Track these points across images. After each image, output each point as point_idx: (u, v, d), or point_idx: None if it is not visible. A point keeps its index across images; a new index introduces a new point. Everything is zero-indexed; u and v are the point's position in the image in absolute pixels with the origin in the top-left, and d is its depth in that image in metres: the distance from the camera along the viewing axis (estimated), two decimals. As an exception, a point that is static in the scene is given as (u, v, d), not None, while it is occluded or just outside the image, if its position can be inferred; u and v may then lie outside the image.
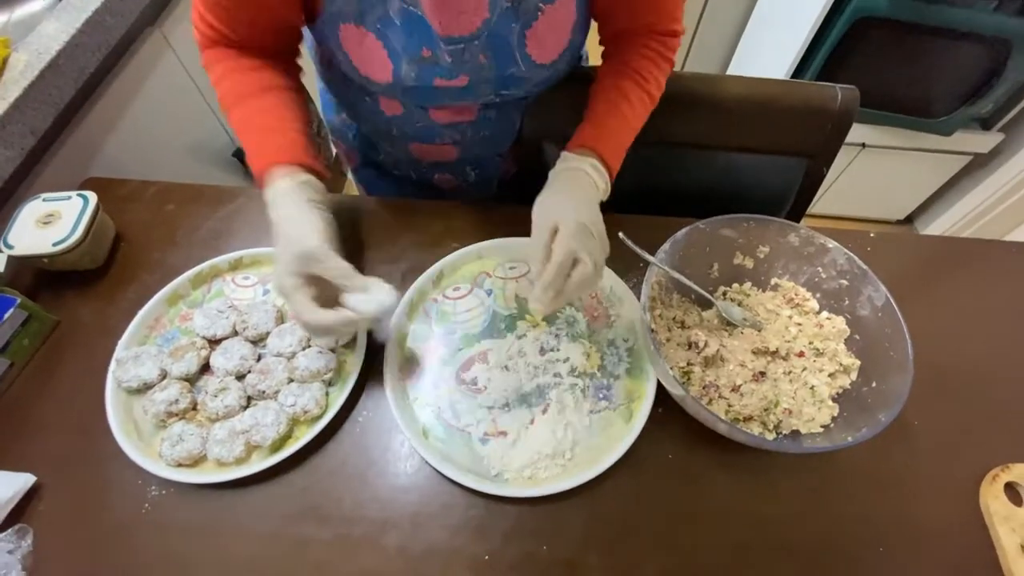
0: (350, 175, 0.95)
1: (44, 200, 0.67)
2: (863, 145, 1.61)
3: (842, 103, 0.74)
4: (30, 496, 0.53)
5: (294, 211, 0.52)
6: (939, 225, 1.81)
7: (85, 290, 0.67)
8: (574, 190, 0.56)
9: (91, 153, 0.86)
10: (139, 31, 0.93)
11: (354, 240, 0.72)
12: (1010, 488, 0.55)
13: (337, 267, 0.50)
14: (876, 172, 1.70)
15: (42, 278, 0.68)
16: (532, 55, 0.59)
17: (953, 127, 1.47)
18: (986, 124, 1.54)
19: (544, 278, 0.50)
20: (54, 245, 0.63)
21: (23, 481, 0.53)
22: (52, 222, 0.65)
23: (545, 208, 0.54)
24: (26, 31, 0.76)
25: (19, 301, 0.59)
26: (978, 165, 1.64)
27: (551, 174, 0.59)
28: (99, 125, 0.87)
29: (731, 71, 1.94)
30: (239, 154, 1.21)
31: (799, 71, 1.48)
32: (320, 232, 0.51)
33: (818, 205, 1.84)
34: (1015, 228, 1.60)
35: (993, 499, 0.54)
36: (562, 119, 0.77)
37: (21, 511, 0.52)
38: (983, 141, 1.54)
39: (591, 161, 0.58)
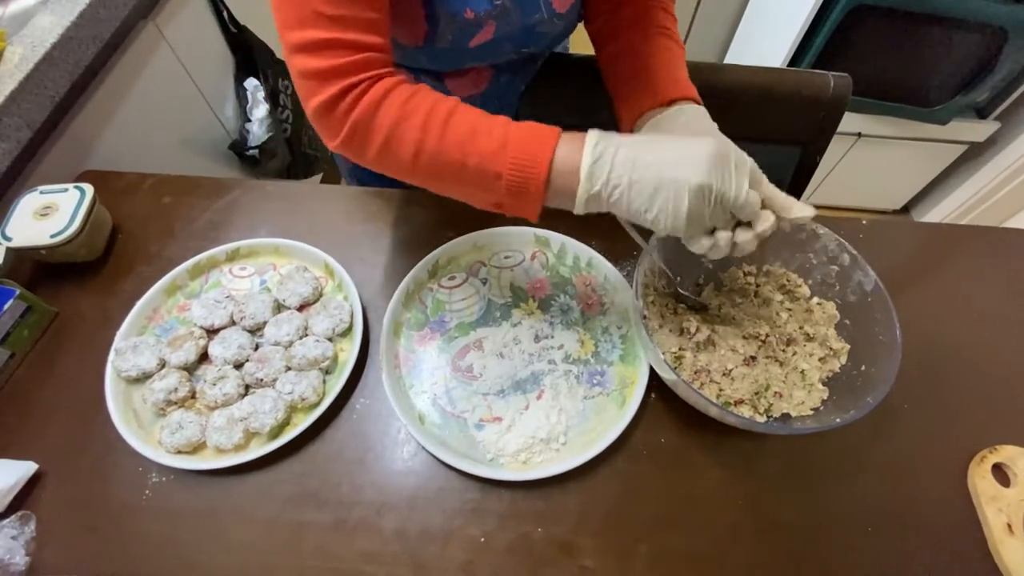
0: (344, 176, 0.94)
1: (41, 192, 0.67)
2: (859, 135, 1.61)
3: (835, 90, 0.75)
4: (32, 483, 0.54)
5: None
6: (935, 214, 1.81)
7: (83, 282, 0.68)
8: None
9: (87, 146, 0.86)
10: (132, 24, 0.94)
11: (350, 230, 0.73)
12: (997, 469, 0.56)
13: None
14: (872, 162, 1.70)
15: (41, 270, 0.68)
16: (552, 2, 0.60)
17: (949, 116, 1.47)
18: (982, 113, 1.54)
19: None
20: (52, 237, 0.63)
21: (25, 469, 0.54)
22: (49, 214, 0.65)
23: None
24: (21, 24, 0.76)
25: (18, 292, 0.60)
26: (974, 154, 1.64)
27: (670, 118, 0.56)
28: (95, 118, 0.87)
29: (729, 60, 1.94)
30: (235, 146, 1.21)
31: (796, 59, 1.48)
32: None
33: (815, 195, 1.85)
34: (1011, 216, 1.60)
35: (981, 479, 0.55)
36: (555, 110, 0.77)
37: (24, 498, 0.53)
38: (979, 130, 1.54)
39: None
